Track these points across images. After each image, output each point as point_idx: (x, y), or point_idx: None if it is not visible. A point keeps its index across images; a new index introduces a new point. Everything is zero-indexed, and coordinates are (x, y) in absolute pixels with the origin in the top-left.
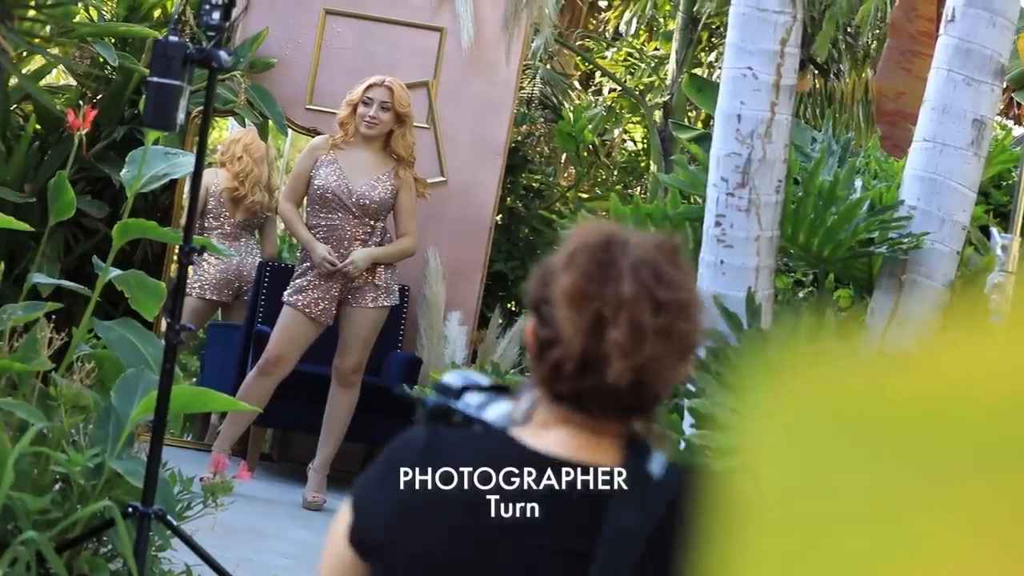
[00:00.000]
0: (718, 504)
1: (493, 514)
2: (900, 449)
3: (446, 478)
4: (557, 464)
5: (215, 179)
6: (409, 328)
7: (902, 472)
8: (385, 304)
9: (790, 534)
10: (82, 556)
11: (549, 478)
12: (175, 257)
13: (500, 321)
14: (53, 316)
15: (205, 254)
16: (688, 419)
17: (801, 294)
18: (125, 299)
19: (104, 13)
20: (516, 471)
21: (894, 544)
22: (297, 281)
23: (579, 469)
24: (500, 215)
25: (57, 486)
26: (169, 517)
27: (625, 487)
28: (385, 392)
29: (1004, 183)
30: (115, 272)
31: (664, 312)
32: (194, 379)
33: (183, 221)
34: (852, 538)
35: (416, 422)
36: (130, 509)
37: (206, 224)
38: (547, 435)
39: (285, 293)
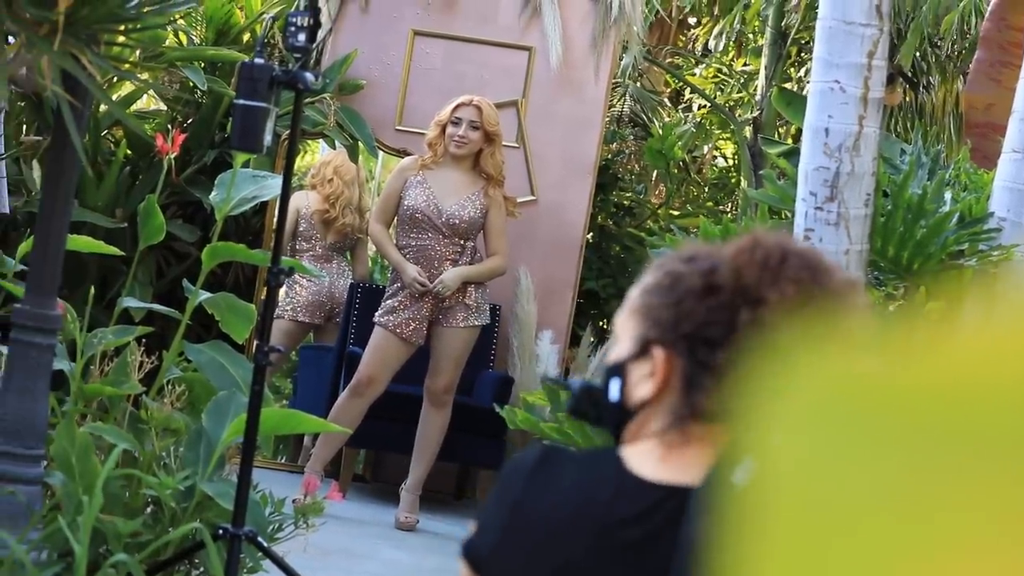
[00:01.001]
0: (730, 499)
1: (597, 534)
2: (919, 440)
3: (552, 502)
4: (663, 490)
5: (306, 201)
6: (501, 347)
7: (923, 465)
8: (476, 323)
9: (806, 530)
10: None
11: (653, 503)
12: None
13: (592, 339)
14: (144, 340)
15: (297, 276)
16: None
17: (892, 308)
18: (216, 322)
19: (193, 37)
20: (625, 495)
21: (915, 541)
22: (388, 302)
23: (681, 491)
24: (591, 233)
25: (148, 509)
26: (260, 539)
27: (702, 496)
28: (477, 412)
29: None
30: (205, 295)
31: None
32: (287, 401)
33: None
34: (871, 535)
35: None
36: (221, 531)
37: (298, 247)
38: (656, 456)
39: (376, 314)
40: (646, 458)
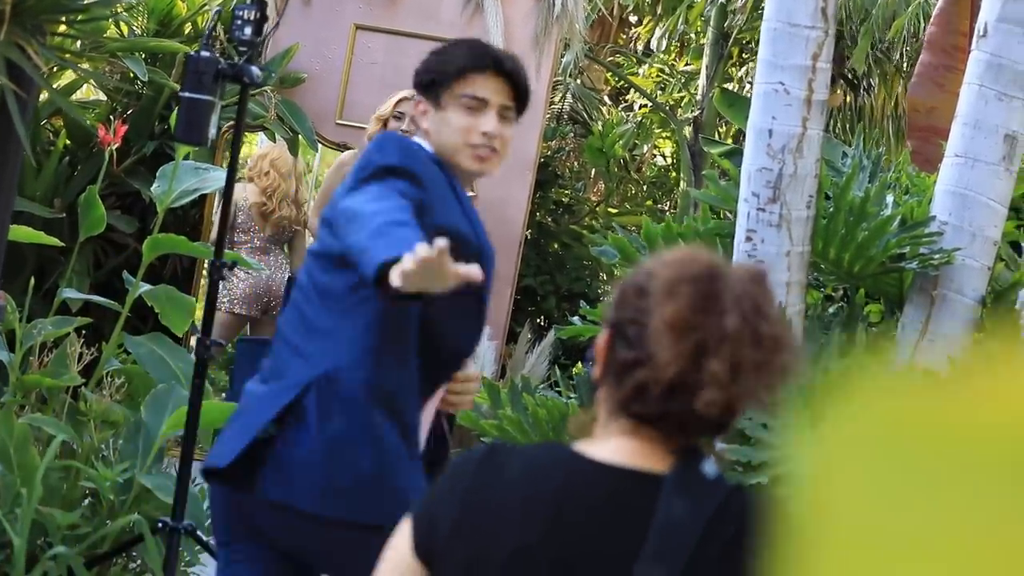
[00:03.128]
0: (781, 526)
1: (552, 516)
2: (969, 475)
3: (506, 488)
4: (617, 471)
5: (244, 194)
6: None
7: (973, 500)
8: None
9: (860, 561)
10: (112, 571)
11: (608, 484)
12: (204, 272)
13: (529, 336)
14: (83, 331)
15: (235, 268)
16: None
17: (831, 309)
18: (154, 314)
19: (135, 28)
20: (576, 479)
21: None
22: None
23: (638, 474)
24: (530, 230)
25: (87, 501)
26: (199, 532)
27: (676, 481)
28: None
29: None
30: (145, 287)
31: (763, 347)
32: (223, 394)
33: (213, 235)
34: (926, 568)
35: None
36: (160, 524)
37: (235, 239)
38: (607, 445)
39: None
40: (602, 445)
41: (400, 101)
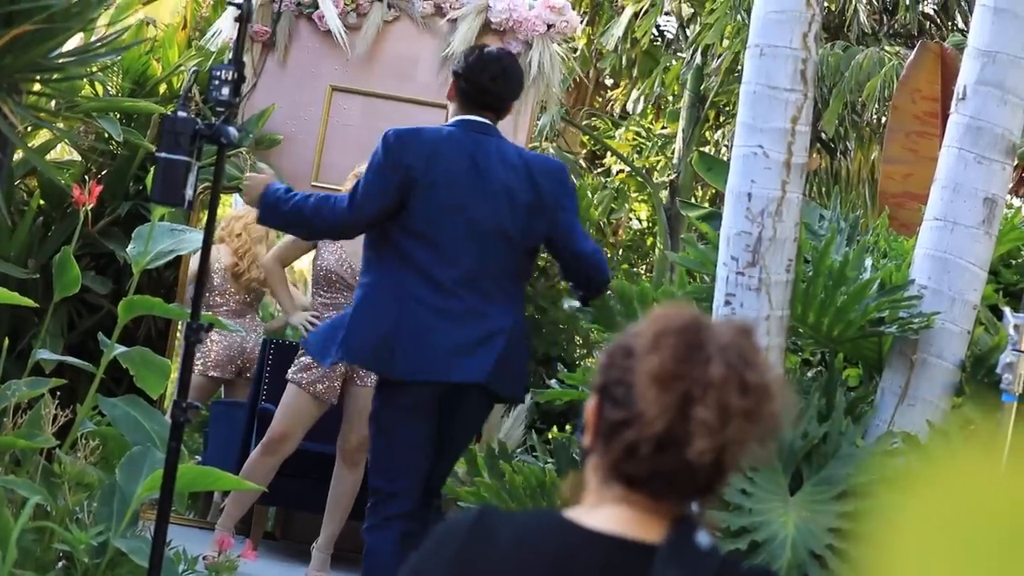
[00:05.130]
0: None
1: None
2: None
3: (496, 556)
4: (609, 541)
5: (218, 255)
6: None
7: None
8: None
9: None
10: None
11: (601, 555)
12: (179, 333)
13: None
14: (57, 393)
15: (211, 331)
16: None
17: (810, 374)
18: (129, 376)
19: (109, 88)
20: (568, 549)
21: None
22: (302, 359)
23: (631, 544)
24: None
25: (61, 564)
26: None
27: (670, 551)
28: None
29: (1014, 261)
30: (120, 349)
31: (750, 394)
32: (197, 457)
33: (188, 296)
34: None
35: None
36: None
37: (211, 302)
38: (599, 513)
39: (290, 371)
40: (593, 513)
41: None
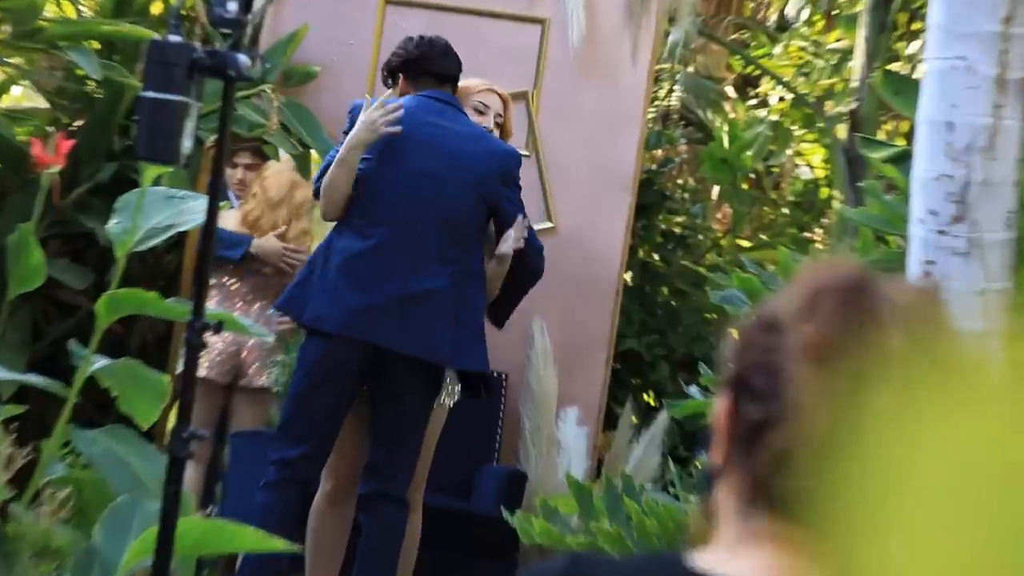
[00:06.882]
0: None
1: None
2: None
3: None
4: None
5: (225, 223)
6: (508, 431)
7: None
8: (447, 403)
9: None
10: None
11: None
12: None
13: (633, 419)
14: (14, 423)
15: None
16: None
17: None
18: (114, 399)
19: (82, 9)
20: None
21: None
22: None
23: None
24: (630, 272)
25: None
26: None
27: None
28: (478, 521)
29: None
30: (101, 362)
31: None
32: (212, 507)
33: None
34: None
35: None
36: None
37: (226, 286)
38: (740, 558)
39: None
40: (727, 557)
41: (484, 91)
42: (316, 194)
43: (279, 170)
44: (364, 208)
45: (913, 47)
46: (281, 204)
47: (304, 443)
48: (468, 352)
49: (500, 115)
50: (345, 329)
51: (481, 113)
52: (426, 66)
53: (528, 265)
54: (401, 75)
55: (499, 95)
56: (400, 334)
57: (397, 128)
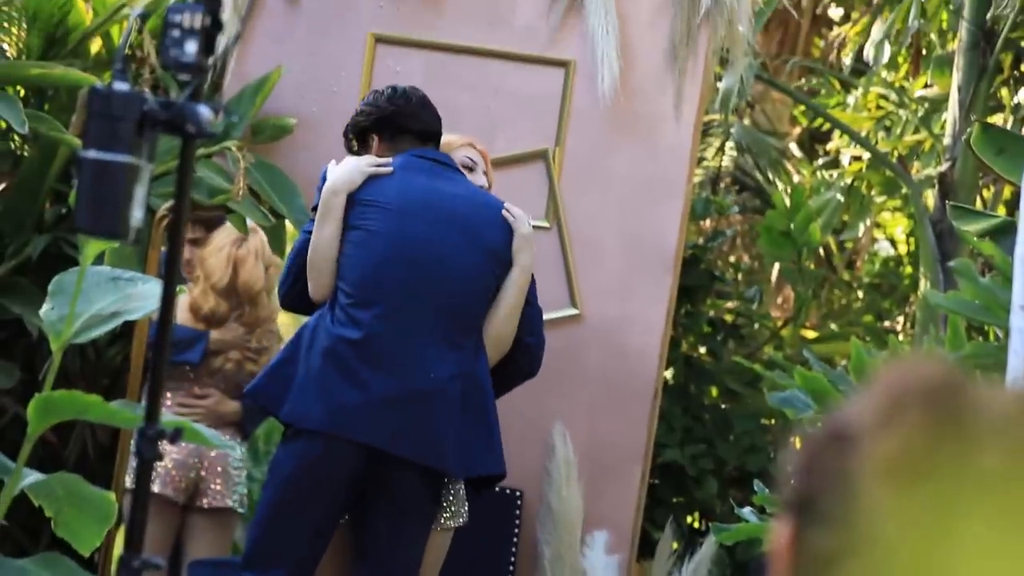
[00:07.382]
0: None
1: None
2: None
3: None
4: None
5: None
6: (524, 557)
7: None
8: (451, 525)
9: None
10: None
11: None
12: (132, 449)
13: (674, 545)
14: None
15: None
16: None
17: None
18: (49, 521)
19: (5, 46)
20: None
21: None
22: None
23: None
24: (671, 369)
25: None
26: None
27: None
28: None
29: None
30: (33, 477)
31: None
32: None
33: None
34: None
35: None
36: None
37: (184, 386)
38: None
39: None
40: None
41: (465, 145)
42: (283, 300)
43: (219, 247)
44: (354, 285)
45: (1021, 95)
46: (231, 290)
47: (278, 568)
48: (480, 458)
49: (485, 172)
50: (335, 427)
51: (470, 170)
52: (404, 123)
53: (522, 369)
54: (375, 136)
55: (479, 151)
56: (398, 435)
57: (388, 168)
